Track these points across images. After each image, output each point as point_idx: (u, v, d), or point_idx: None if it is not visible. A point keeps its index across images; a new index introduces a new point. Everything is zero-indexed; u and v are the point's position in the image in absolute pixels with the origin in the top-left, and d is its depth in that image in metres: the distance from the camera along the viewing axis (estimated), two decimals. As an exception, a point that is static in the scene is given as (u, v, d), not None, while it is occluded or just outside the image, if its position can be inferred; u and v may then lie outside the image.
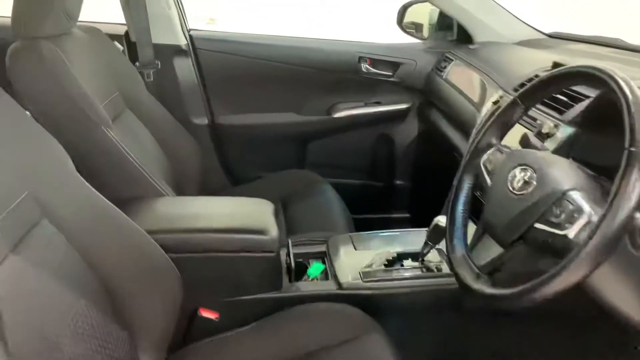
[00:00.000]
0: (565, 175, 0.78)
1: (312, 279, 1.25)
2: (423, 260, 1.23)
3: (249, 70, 1.97)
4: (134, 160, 1.31)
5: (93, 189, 0.95)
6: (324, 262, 1.29)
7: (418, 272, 1.22)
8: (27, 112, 1.13)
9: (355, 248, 1.31)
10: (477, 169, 0.94)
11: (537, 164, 0.81)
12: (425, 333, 1.23)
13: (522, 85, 1.29)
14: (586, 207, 0.72)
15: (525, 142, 0.94)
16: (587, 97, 1.02)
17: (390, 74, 2.00)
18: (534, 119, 1.11)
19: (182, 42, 1.92)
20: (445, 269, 1.21)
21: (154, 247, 1.00)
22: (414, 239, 1.30)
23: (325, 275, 1.26)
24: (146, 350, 0.94)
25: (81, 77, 1.27)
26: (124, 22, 1.87)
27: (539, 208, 0.76)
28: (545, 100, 1.08)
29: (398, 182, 2.18)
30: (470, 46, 1.86)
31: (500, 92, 1.36)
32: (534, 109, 1.05)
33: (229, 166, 2.08)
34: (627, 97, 0.70)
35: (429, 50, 2.01)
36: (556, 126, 0.94)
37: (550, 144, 0.92)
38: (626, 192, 0.65)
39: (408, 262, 1.24)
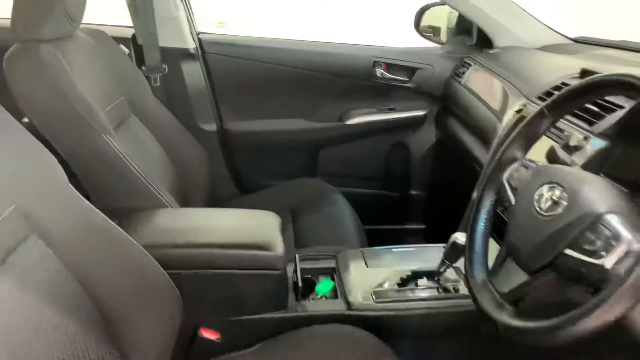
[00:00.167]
0: (599, 195, 0.70)
1: (321, 297, 1.19)
2: (439, 279, 1.17)
3: (260, 74, 1.93)
4: (135, 169, 1.26)
5: (88, 203, 0.89)
6: (333, 279, 1.23)
7: (434, 293, 1.16)
8: (25, 119, 1.10)
9: (366, 264, 1.26)
10: (499, 185, 0.88)
11: (567, 182, 0.74)
12: (441, 359, 1.17)
13: (547, 93, 1.22)
14: (625, 233, 0.65)
15: (552, 155, 0.86)
16: (620, 107, 0.95)
17: (406, 79, 1.94)
18: (561, 130, 1.04)
19: (191, 45, 1.87)
20: (463, 289, 1.14)
21: (153, 265, 0.94)
22: (430, 255, 1.24)
23: (334, 292, 1.20)
24: None
25: (82, 81, 1.22)
26: (131, 24, 1.83)
27: (569, 232, 0.69)
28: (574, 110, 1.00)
29: (413, 192, 2.12)
30: (490, 51, 1.79)
31: (523, 101, 1.28)
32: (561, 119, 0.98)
33: (238, 174, 2.04)
34: None
35: (447, 55, 1.95)
36: (585, 138, 0.87)
37: (578, 158, 0.85)
38: None
39: (423, 282, 1.18)
